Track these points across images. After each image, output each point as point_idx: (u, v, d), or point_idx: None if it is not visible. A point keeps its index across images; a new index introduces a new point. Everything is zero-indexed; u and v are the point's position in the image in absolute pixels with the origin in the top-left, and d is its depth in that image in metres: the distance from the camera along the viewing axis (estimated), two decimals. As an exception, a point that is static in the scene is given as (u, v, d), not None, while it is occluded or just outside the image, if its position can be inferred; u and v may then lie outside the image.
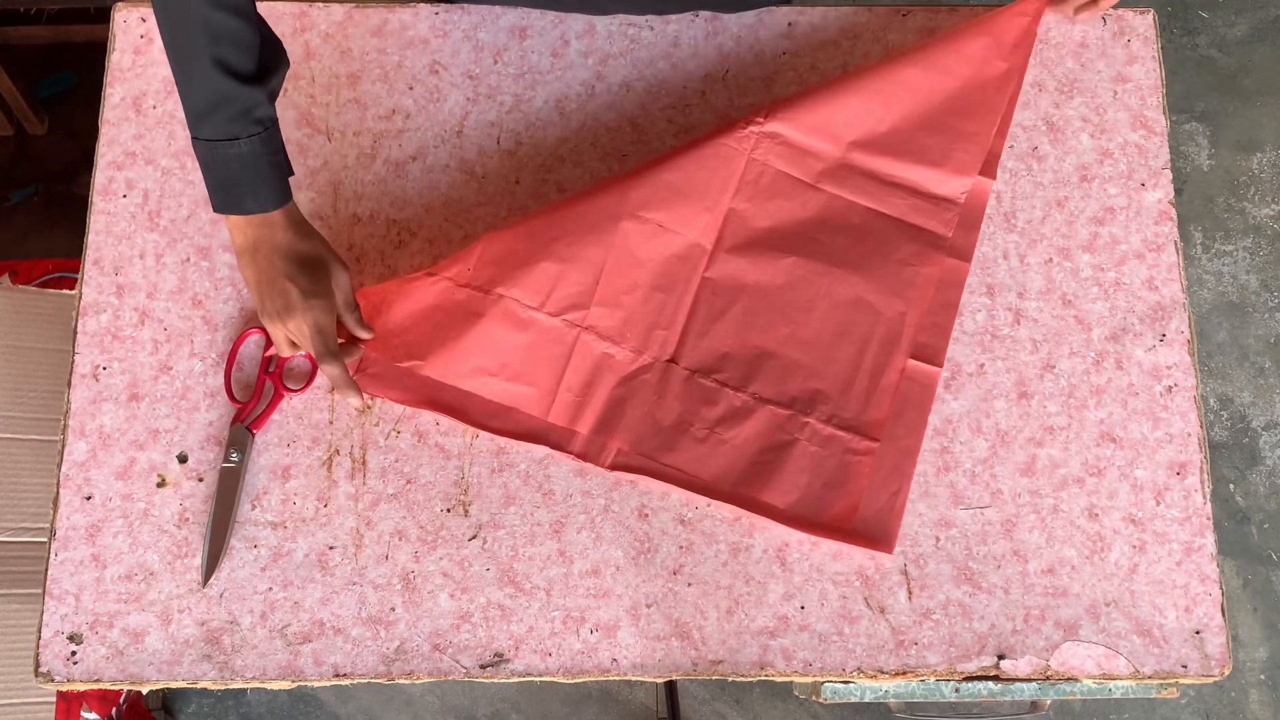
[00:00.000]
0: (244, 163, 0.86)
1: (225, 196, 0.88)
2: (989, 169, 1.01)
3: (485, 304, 0.94)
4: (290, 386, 0.96)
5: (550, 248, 0.95)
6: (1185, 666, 0.92)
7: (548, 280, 0.95)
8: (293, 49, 1.06)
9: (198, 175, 1.02)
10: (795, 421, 0.94)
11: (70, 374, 0.97)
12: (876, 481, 0.93)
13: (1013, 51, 1.02)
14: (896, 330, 0.97)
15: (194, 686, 0.90)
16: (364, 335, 0.94)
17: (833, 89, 1.00)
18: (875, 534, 0.92)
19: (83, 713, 1.35)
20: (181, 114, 1.03)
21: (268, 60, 0.88)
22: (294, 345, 0.93)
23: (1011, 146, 1.04)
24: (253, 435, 0.95)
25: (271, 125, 0.87)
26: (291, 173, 0.90)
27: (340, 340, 0.93)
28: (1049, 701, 1.03)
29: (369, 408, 0.95)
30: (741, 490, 0.93)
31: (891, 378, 0.96)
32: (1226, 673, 0.92)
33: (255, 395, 0.95)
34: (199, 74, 0.84)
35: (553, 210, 0.97)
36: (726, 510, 0.93)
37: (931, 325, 0.97)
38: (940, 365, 0.96)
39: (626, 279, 0.96)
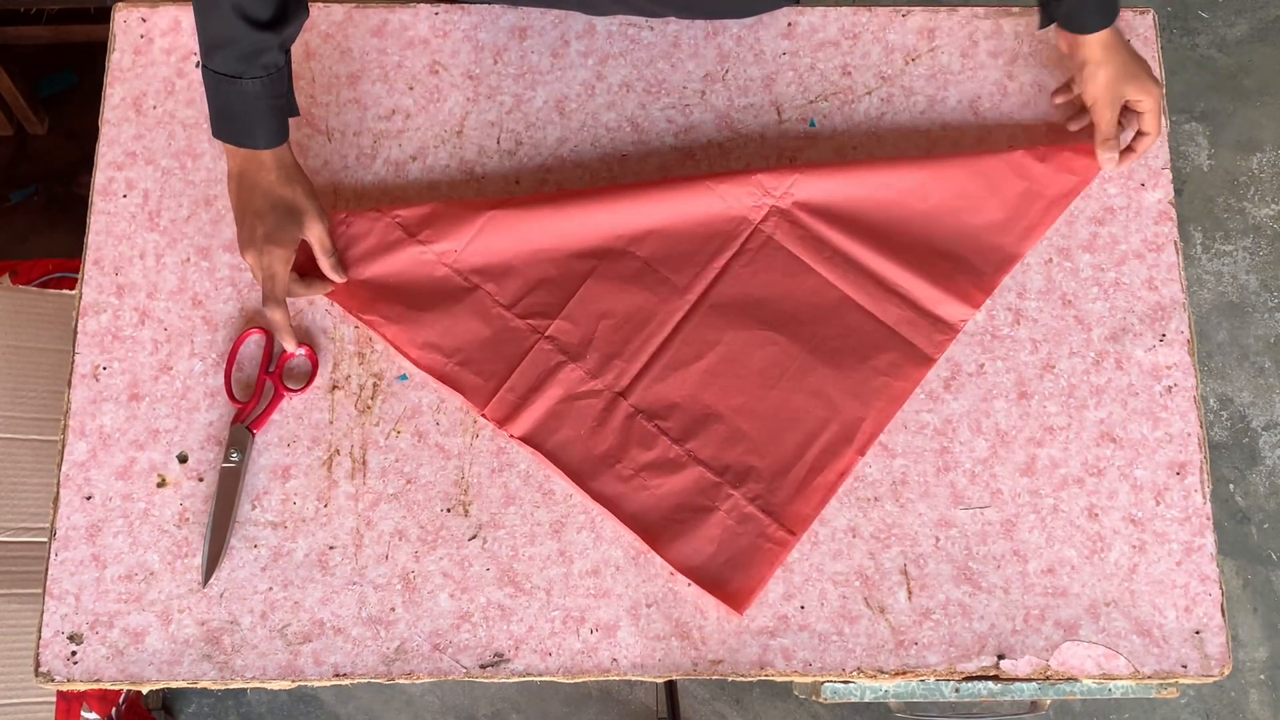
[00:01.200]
0: (244, 101, 0.90)
1: (222, 125, 0.92)
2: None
3: (461, 291, 0.97)
4: (290, 386, 0.96)
5: (538, 255, 0.97)
6: (1185, 666, 0.92)
7: (526, 285, 0.97)
8: (293, 49, 1.06)
9: (198, 175, 1.02)
10: (721, 490, 0.93)
11: (70, 374, 0.97)
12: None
13: (1048, 208, 1.00)
14: (850, 433, 0.95)
15: (194, 686, 0.90)
16: (336, 278, 0.96)
17: (857, 178, 0.99)
18: (737, 589, 0.91)
19: (83, 713, 1.35)
20: (181, 114, 1.04)
21: (288, 8, 0.90)
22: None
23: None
24: (253, 435, 0.95)
25: (276, 71, 0.90)
26: (294, 114, 0.95)
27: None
28: (1049, 701, 1.03)
29: (296, 354, 0.97)
30: (647, 536, 0.92)
31: (829, 477, 0.94)
32: (1226, 673, 0.92)
33: (255, 395, 0.95)
34: (216, 14, 0.87)
35: (555, 210, 0.97)
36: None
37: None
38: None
39: (602, 304, 0.97)
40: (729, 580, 0.91)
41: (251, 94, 0.89)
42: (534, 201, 0.98)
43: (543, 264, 0.97)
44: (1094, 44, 0.96)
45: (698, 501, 0.93)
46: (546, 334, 0.96)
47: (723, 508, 0.93)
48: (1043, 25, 1.01)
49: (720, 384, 0.96)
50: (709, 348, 0.96)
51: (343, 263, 0.97)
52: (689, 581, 0.92)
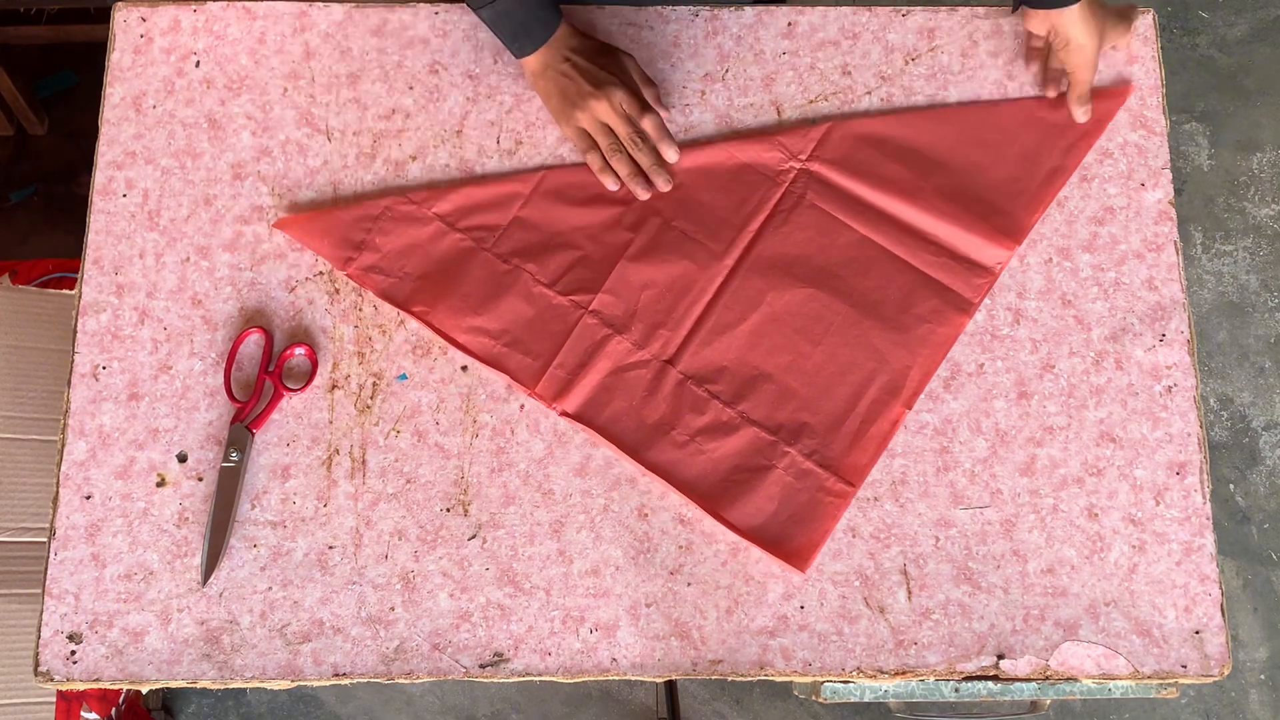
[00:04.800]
0: (515, 11, 0.96)
1: (519, 43, 0.99)
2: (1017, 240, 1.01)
3: (503, 274, 0.98)
4: (290, 386, 0.96)
5: (575, 233, 0.99)
6: (1185, 666, 0.92)
7: (565, 263, 0.99)
8: (293, 49, 1.06)
9: (198, 175, 1.02)
10: (777, 449, 0.94)
11: (70, 374, 0.97)
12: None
13: (1070, 149, 1.02)
14: (899, 382, 0.96)
15: (194, 686, 0.90)
16: (661, 110, 1.02)
17: (879, 134, 1.01)
18: (799, 546, 0.92)
19: (83, 712, 1.35)
20: (181, 114, 1.04)
21: None
22: (609, 129, 1.00)
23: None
24: (252, 435, 0.95)
25: None
26: None
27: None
28: (1049, 701, 1.03)
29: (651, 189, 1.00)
30: (706, 502, 0.93)
31: (883, 427, 0.95)
32: (1226, 673, 0.92)
33: (255, 395, 0.95)
34: None
35: (587, 191, 1.01)
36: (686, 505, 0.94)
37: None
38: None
39: (642, 275, 0.98)
40: (791, 537, 0.92)
41: (516, 3, 0.95)
42: (564, 177, 1.01)
43: (580, 240, 0.99)
44: (1074, 20, 0.97)
45: (754, 462, 0.94)
46: (590, 309, 0.97)
47: (780, 465, 0.94)
48: (1015, 8, 1.03)
49: (766, 344, 0.97)
50: (752, 309, 0.98)
51: (382, 256, 0.99)
52: (689, 581, 0.92)
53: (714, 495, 0.93)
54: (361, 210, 1.00)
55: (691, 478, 0.93)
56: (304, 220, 1.00)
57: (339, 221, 0.99)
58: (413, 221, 1.00)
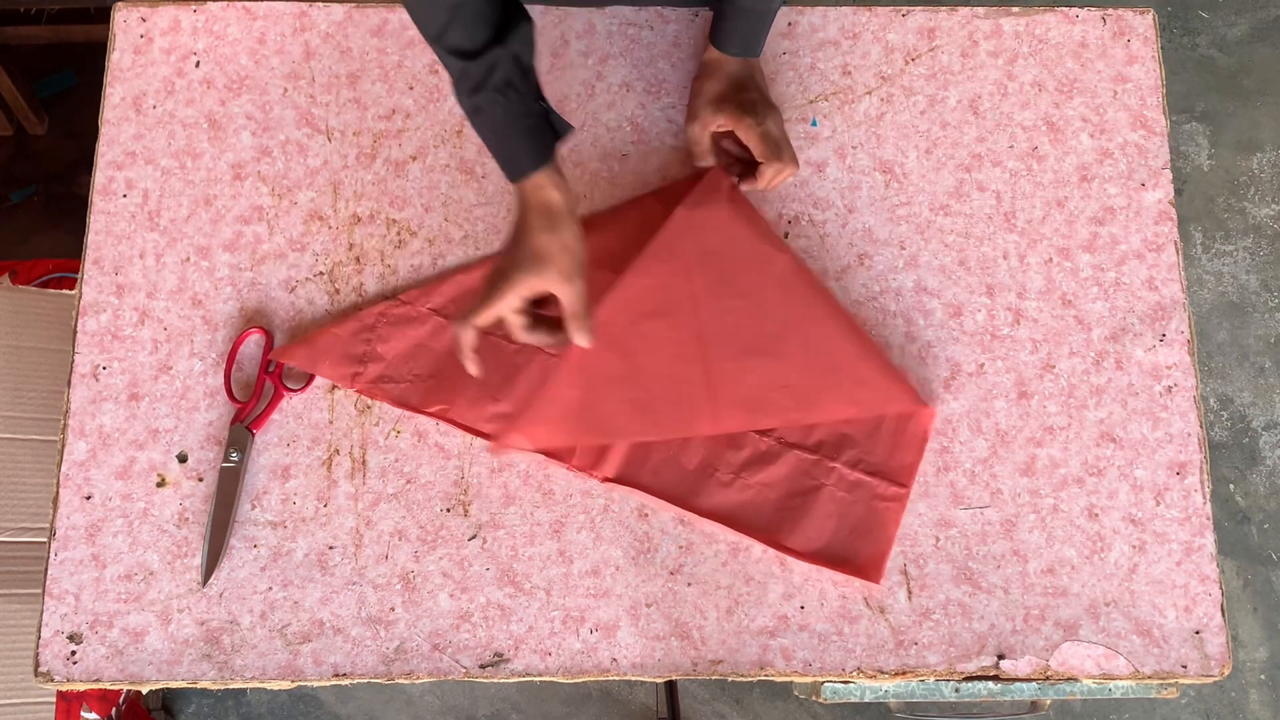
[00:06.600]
0: (493, 130, 0.86)
1: (500, 163, 0.87)
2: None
3: (512, 354, 0.96)
4: (290, 386, 0.96)
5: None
6: (1185, 666, 0.92)
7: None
8: (293, 49, 1.06)
9: (198, 175, 1.02)
10: (822, 466, 0.93)
11: (70, 374, 0.97)
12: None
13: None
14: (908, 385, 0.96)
15: (194, 686, 0.90)
16: (581, 342, 0.88)
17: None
18: (867, 559, 0.92)
19: (83, 713, 1.35)
20: (181, 114, 1.04)
21: (503, 25, 0.83)
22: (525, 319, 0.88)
23: (1011, 146, 1.04)
24: (252, 435, 0.95)
25: (507, 89, 0.84)
26: (555, 134, 0.87)
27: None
28: (1049, 701, 1.03)
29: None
30: (766, 535, 0.92)
31: (921, 424, 0.95)
32: (1226, 673, 0.92)
33: (255, 395, 0.95)
34: (445, 58, 0.84)
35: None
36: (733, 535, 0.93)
37: None
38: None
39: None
40: (857, 551, 0.92)
41: (493, 122, 0.85)
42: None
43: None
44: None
45: (804, 484, 0.93)
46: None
47: (829, 482, 0.93)
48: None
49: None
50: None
51: (388, 364, 0.95)
52: (689, 581, 0.92)
53: (772, 527, 0.92)
54: (357, 323, 0.97)
55: (747, 516, 0.92)
56: (303, 347, 0.96)
57: (337, 340, 0.96)
58: (409, 322, 0.97)
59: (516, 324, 0.87)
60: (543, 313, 0.89)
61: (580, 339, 0.87)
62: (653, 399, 0.92)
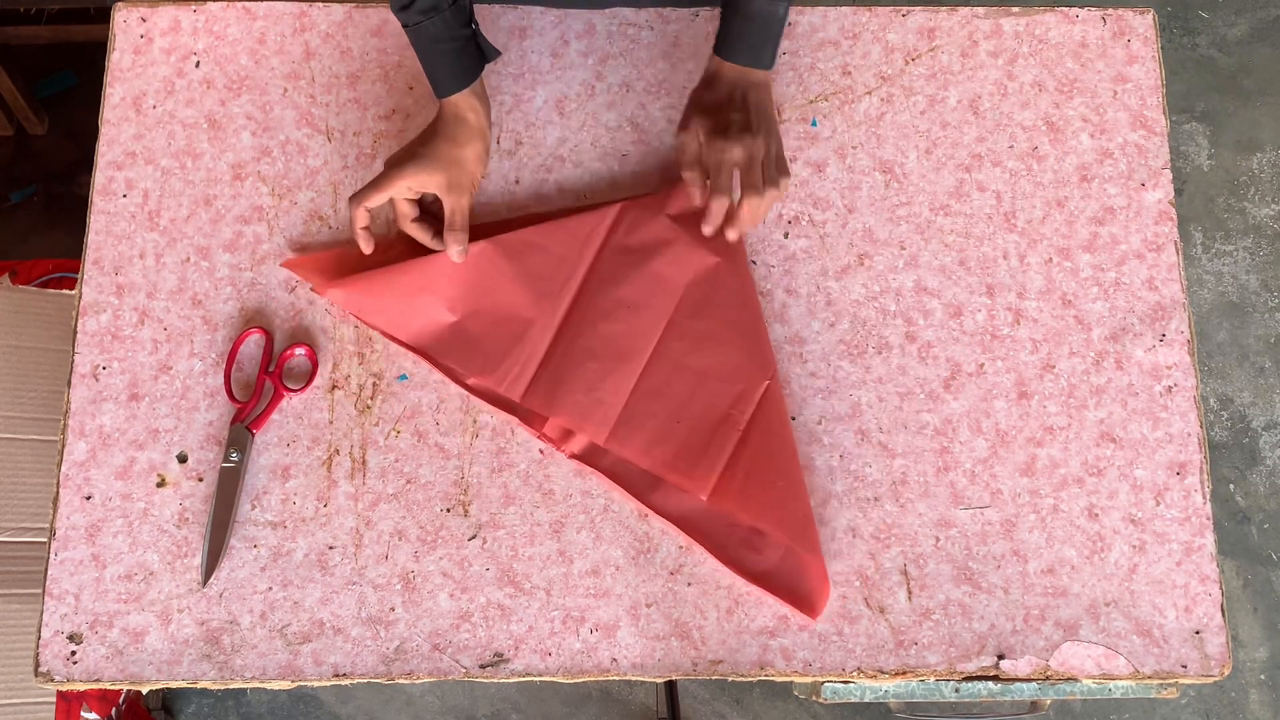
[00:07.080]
0: (421, 49, 0.92)
1: (430, 81, 0.94)
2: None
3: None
4: (290, 386, 0.96)
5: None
6: (1185, 666, 0.92)
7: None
8: (293, 49, 1.06)
9: (198, 175, 1.02)
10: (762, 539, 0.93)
11: (70, 374, 0.97)
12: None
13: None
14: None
15: (194, 686, 0.90)
16: (454, 258, 0.95)
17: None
18: (810, 586, 0.91)
19: (83, 713, 1.35)
20: (181, 114, 1.04)
21: None
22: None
23: (1011, 146, 1.04)
24: (252, 435, 0.95)
25: (431, 12, 0.89)
26: (487, 58, 0.94)
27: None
28: (1049, 701, 1.03)
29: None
30: (718, 549, 0.91)
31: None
32: (1226, 673, 0.92)
33: (255, 395, 0.95)
34: None
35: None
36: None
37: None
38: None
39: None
40: (800, 582, 0.90)
41: (427, 39, 0.90)
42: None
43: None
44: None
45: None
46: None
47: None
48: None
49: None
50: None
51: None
52: (689, 581, 0.92)
53: (724, 541, 0.92)
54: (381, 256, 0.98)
55: (698, 522, 0.92)
56: (311, 260, 0.99)
57: (345, 259, 0.98)
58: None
59: (403, 212, 0.95)
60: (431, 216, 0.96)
61: (451, 251, 0.94)
62: (476, 339, 0.95)
